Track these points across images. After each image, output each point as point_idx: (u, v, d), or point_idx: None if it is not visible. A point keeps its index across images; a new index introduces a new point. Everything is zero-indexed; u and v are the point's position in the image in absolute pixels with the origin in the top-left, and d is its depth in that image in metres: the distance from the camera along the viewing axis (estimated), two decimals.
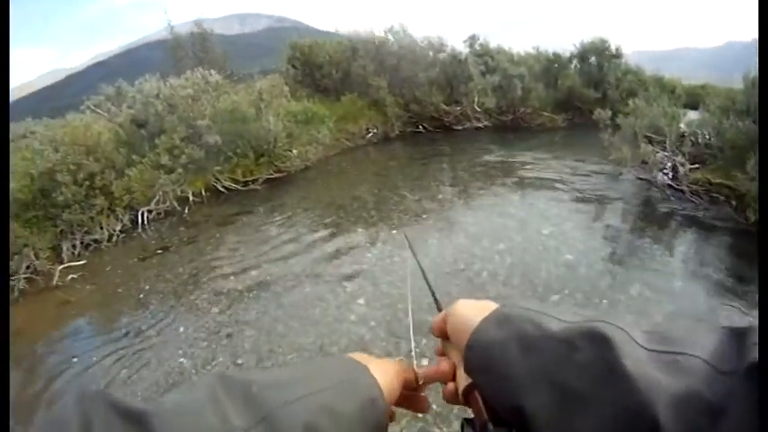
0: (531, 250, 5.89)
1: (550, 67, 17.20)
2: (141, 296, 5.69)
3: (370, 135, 14.45)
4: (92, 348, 4.69)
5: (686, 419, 0.43)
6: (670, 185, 7.95)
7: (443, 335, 0.76)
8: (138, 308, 5.42)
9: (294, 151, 10.85)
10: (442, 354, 0.78)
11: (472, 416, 0.65)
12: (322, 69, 15.65)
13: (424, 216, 7.46)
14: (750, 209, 6.41)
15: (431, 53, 15.94)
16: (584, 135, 13.62)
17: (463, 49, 16.81)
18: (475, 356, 0.64)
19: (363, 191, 9.11)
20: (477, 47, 17.22)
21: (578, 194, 8.02)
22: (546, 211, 7.27)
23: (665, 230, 6.54)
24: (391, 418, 0.74)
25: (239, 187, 9.91)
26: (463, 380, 0.68)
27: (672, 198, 7.66)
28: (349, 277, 5.46)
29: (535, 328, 0.59)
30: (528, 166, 10.06)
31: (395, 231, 6.85)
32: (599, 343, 0.52)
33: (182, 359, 4.29)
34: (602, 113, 9.26)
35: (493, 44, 17.78)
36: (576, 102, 16.02)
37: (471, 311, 0.69)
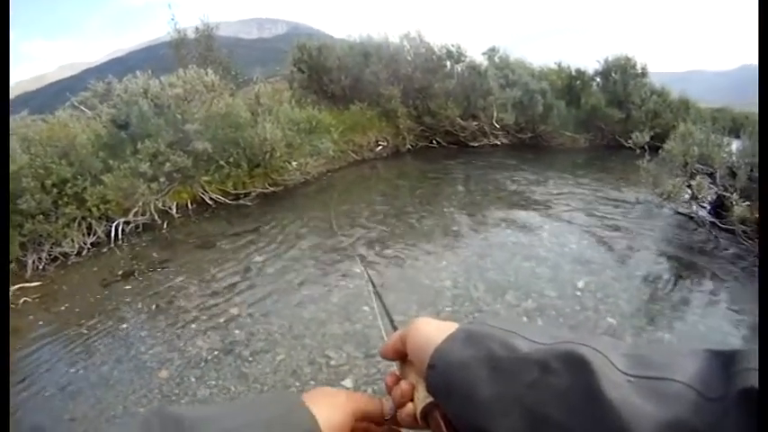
0: (565, 311, 4.87)
1: (572, 83, 16.69)
2: (87, 340, 4.60)
3: (379, 148, 13.49)
4: None
5: None
6: (714, 223, 7.11)
7: (400, 356, 0.72)
8: (75, 359, 4.32)
9: (293, 163, 9.86)
10: (399, 377, 0.73)
11: None
12: (330, 75, 14.56)
13: (434, 253, 6.38)
14: None
15: (448, 63, 15.14)
16: (609, 158, 12.95)
17: (482, 60, 16.05)
18: (438, 376, 0.60)
19: (367, 216, 8.05)
20: (496, 59, 16.51)
21: (613, 232, 7.10)
22: (579, 255, 6.27)
23: (730, 284, 5.60)
24: None
25: (228, 201, 8.91)
26: (421, 401, 0.65)
27: (720, 239, 6.79)
28: (338, 346, 4.34)
29: (504, 349, 0.56)
30: (553, 193, 9.17)
31: (392, 271, 5.79)
32: (576, 367, 0.49)
33: None
34: (639, 137, 8.49)
35: (513, 57, 17.09)
36: (599, 122, 15.36)
37: (433, 329, 0.66)
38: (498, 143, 14.79)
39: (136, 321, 4.92)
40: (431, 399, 0.64)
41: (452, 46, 15.28)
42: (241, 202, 9.01)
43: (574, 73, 17.12)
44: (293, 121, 10.30)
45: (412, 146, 14.34)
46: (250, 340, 4.42)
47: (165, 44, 18.39)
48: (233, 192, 9.08)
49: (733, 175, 7.12)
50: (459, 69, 15.14)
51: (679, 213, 7.71)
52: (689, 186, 7.34)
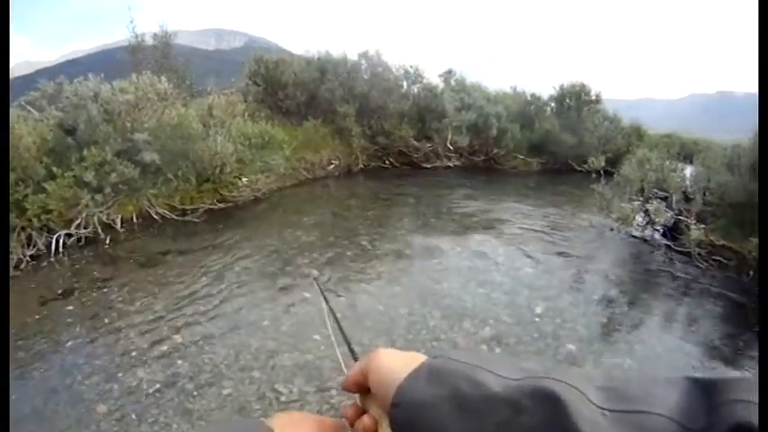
0: (525, 338, 4.88)
1: (527, 108, 17.05)
2: (21, 366, 4.28)
3: (331, 167, 13.39)
4: None
5: None
6: (669, 246, 7.34)
7: (361, 389, 0.68)
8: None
9: (244, 179, 9.68)
10: (361, 410, 0.69)
11: None
12: (286, 90, 14.38)
13: (388, 278, 6.31)
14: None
15: (405, 84, 15.20)
16: (561, 182, 13.19)
17: (439, 82, 16.22)
18: (403, 415, 0.56)
19: (316, 237, 7.94)
20: (452, 82, 16.70)
21: (568, 255, 7.18)
22: (535, 280, 6.33)
23: (692, 308, 5.81)
24: None
25: (175, 216, 8.64)
26: None
27: (677, 262, 6.97)
28: (288, 379, 4.16)
29: (471, 386, 0.52)
30: (507, 216, 9.28)
31: (343, 297, 5.70)
32: (549, 404, 0.46)
33: None
34: (595, 162, 8.74)
35: (469, 80, 17.35)
36: (552, 146, 15.67)
37: (396, 363, 0.62)
38: (451, 165, 14.92)
39: (74, 346, 4.67)
40: None
41: (410, 67, 15.46)
42: (188, 218, 8.74)
43: (529, 98, 17.47)
44: (245, 136, 10.15)
45: (364, 165, 14.32)
46: (194, 372, 4.22)
47: (122, 48, 17.97)
48: (180, 207, 8.84)
49: (688, 199, 7.35)
50: (416, 90, 15.28)
51: (634, 237, 7.91)
52: (645, 211, 7.54)
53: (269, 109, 13.80)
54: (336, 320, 0.95)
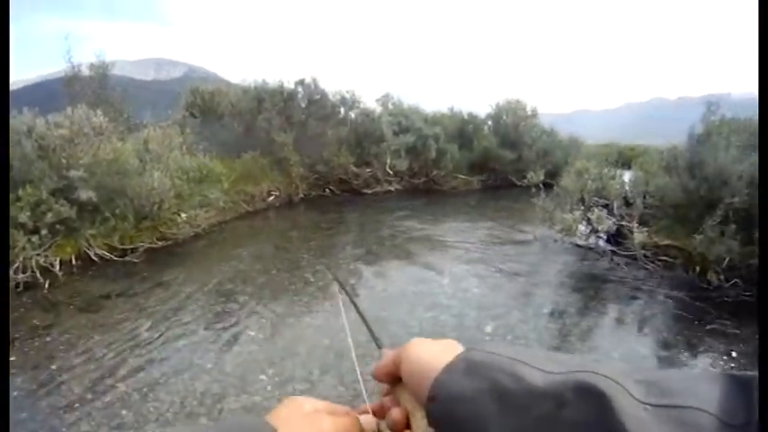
0: None
1: (465, 127, 17.35)
2: None
3: (271, 198, 13.40)
4: None
5: None
6: (614, 252, 7.57)
7: (392, 379, 0.67)
8: None
9: (183, 215, 9.61)
10: (390, 401, 0.68)
11: None
12: (223, 120, 14.42)
13: (332, 309, 6.27)
14: (711, 271, 6.32)
15: (342, 110, 15.38)
16: (503, 198, 13.45)
17: (376, 107, 16.40)
18: (441, 409, 0.55)
19: (258, 271, 7.96)
20: (390, 105, 16.91)
21: (515, 271, 7.37)
22: (483, 299, 6.48)
23: (636, 306, 6.06)
24: None
25: (115, 257, 8.49)
26: (422, 430, 0.61)
27: (623, 266, 7.27)
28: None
29: (513, 380, 0.51)
30: (449, 237, 9.48)
31: (288, 332, 5.74)
32: (592, 399, 0.45)
33: None
34: (534, 177, 8.97)
35: (407, 103, 17.60)
36: (492, 163, 16.02)
37: (431, 354, 0.61)
38: (392, 189, 15.06)
39: (15, 399, 4.61)
40: (432, 430, 0.60)
41: (347, 92, 15.64)
42: (128, 258, 8.59)
43: (466, 117, 17.78)
44: (183, 170, 10.07)
45: (305, 195, 14.36)
46: (140, 421, 4.21)
47: (60, 80, 17.40)
48: (120, 246, 8.70)
49: (629, 204, 7.64)
50: (353, 116, 15.45)
51: (578, 246, 8.14)
52: (587, 220, 7.77)
53: (207, 141, 13.65)
54: (357, 309, 0.91)
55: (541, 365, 0.52)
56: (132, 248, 8.80)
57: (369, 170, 14.98)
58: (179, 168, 9.99)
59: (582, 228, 8.03)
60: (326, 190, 14.88)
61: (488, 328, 5.62)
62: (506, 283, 7.06)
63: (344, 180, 14.94)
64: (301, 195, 14.27)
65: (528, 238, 8.95)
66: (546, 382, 0.50)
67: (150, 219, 9.22)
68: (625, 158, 11.47)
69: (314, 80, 15.17)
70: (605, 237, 8.08)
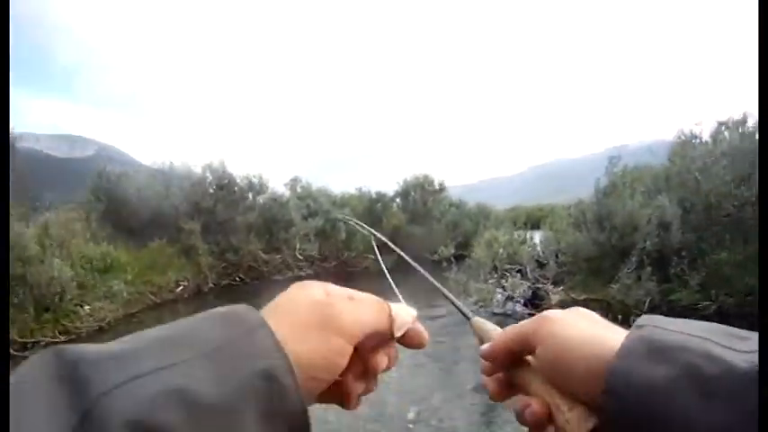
0: None
1: (374, 206, 17.53)
2: None
3: (179, 288, 12.75)
4: None
5: None
6: (532, 314, 7.50)
7: (513, 359, 0.58)
8: None
9: (86, 307, 8.97)
10: (509, 385, 0.61)
11: None
12: (129, 206, 13.80)
13: None
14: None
15: (250, 195, 15.17)
16: (413, 274, 13.38)
17: (285, 191, 16.39)
18: (623, 405, 0.44)
19: None
20: (299, 189, 16.95)
21: (432, 350, 7.13)
22: (403, 384, 6.09)
23: None
24: (347, 398, 0.55)
25: (13, 351, 7.64)
26: (578, 427, 0.49)
27: None
28: None
29: (712, 363, 0.41)
30: None
31: None
32: None
33: None
34: (444, 251, 9.13)
35: (315, 186, 17.70)
36: (402, 240, 16.04)
37: (581, 334, 0.50)
38: (303, 274, 14.84)
39: None
40: (592, 423, 0.49)
41: (254, 177, 15.53)
42: (27, 354, 7.76)
43: (374, 195, 17.92)
44: (87, 258, 9.57)
45: (214, 284, 13.86)
46: None
47: None
48: (20, 340, 7.98)
49: (542, 265, 7.63)
50: (261, 201, 15.29)
51: (495, 314, 7.94)
52: (503, 287, 7.72)
53: (112, 227, 13.09)
54: (437, 284, 0.80)
55: (730, 343, 0.43)
56: (34, 342, 8.12)
57: (279, 256, 14.67)
58: (83, 256, 9.47)
59: (498, 296, 8.01)
60: (236, 278, 14.38)
61: (411, 415, 5.29)
62: (425, 363, 6.81)
63: (254, 267, 14.53)
64: (210, 285, 13.68)
65: (443, 313, 8.85)
66: (749, 363, 0.40)
67: (52, 310, 8.61)
68: (534, 219, 11.72)
69: (222, 163, 14.99)
70: (522, 301, 8.07)
